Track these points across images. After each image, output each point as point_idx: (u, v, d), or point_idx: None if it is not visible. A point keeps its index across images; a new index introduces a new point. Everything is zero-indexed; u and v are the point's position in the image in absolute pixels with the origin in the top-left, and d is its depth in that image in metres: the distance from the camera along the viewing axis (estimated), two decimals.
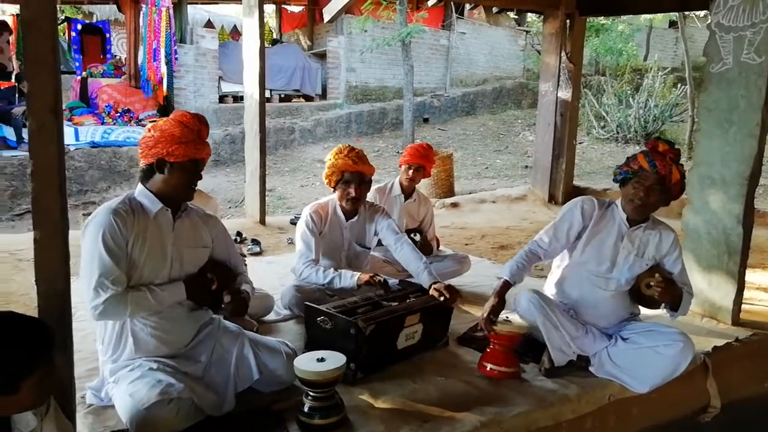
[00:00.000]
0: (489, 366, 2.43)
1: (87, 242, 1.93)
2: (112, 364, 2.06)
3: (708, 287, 3.20)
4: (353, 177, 2.94)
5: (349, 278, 2.79)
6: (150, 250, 2.00)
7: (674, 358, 2.37)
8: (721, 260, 3.13)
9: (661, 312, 3.25)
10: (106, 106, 9.14)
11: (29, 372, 1.35)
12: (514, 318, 2.51)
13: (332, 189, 3.03)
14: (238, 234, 4.83)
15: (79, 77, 9.73)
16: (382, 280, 2.77)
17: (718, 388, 2.68)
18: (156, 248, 2.02)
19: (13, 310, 1.45)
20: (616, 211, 2.55)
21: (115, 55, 11.04)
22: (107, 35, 10.95)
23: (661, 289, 2.36)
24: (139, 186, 2.08)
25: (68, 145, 7.95)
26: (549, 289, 2.70)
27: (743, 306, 3.18)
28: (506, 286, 2.47)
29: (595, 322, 2.56)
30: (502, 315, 2.51)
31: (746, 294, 3.22)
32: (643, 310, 2.87)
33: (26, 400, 1.38)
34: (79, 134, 8.43)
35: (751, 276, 3.63)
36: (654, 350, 2.39)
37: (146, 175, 2.05)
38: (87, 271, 1.91)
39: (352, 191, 2.94)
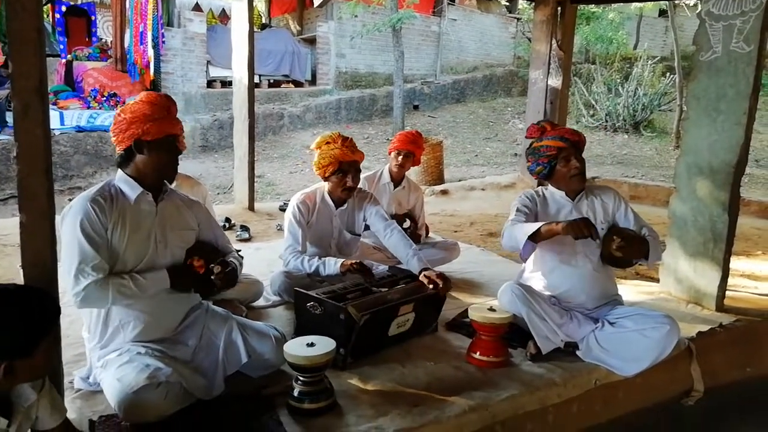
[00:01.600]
0: (477, 355, 2.45)
1: (66, 231, 1.92)
2: (99, 350, 2.05)
3: (693, 274, 3.25)
4: (350, 166, 2.92)
5: (332, 265, 2.79)
6: (131, 236, 1.99)
7: (661, 341, 2.41)
8: (707, 247, 3.17)
9: (646, 297, 3.31)
10: (91, 90, 9.00)
11: (41, 336, 1.45)
12: (498, 306, 2.52)
13: (324, 179, 3.01)
14: (227, 220, 4.81)
15: (64, 60, 9.56)
16: (365, 266, 2.75)
17: (702, 372, 2.73)
18: (138, 233, 2.01)
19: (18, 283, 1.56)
20: (552, 192, 2.65)
21: (101, 38, 10.84)
22: (93, 17, 10.75)
23: (624, 249, 2.40)
24: (119, 172, 2.06)
25: (53, 129, 7.83)
26: (530, 281, 2.71)
27: (727, 292, 3.23)
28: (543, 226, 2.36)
29: (583, 304, 2.59)
30: (487, 304, 2.53)
31: (730, 281, 3.27)
32: (626, 296, 2.91)
33: (38, 365, 1.48)
34: (65, 118, 8.31)
35: (736, 263, 3.69)
36: (641, 333, 2.43)
37: (125, 160, 2.03)
38: (67, 260, 1.90)
39: (349, 180, 2.93)
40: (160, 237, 2.07)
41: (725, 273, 3.16)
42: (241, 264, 2.27)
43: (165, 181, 2.16)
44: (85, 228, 1.90)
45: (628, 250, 2.41)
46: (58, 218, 1.84)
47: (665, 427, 2.62)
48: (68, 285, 1.89)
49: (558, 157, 2.52)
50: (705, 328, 2.90)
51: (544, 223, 2.41)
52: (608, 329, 2.51)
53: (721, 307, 3.17)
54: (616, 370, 2.45)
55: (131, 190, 2.03)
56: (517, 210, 2.60)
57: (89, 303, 1.94)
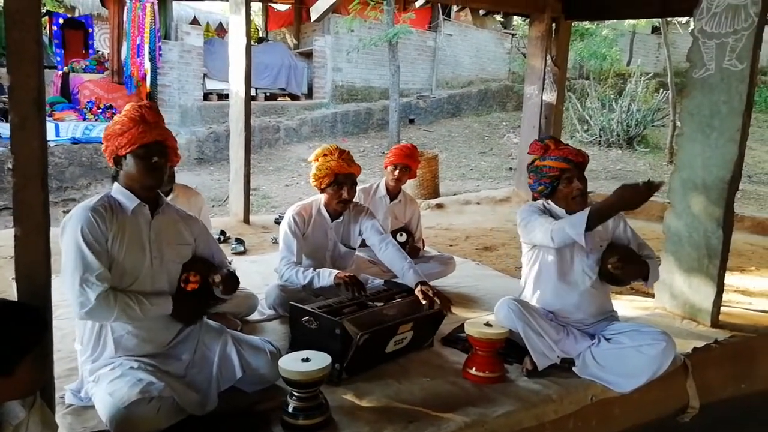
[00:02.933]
0: (474, 371, 2.44)
1: (67, 240, 1.91)
2: (91, 363, 2.03)
3: (688, 289, 3.25)
4: (346, 179, 2.93)
5: (327, 277, 2.78)
6: (129, 246, 1.99)
7: (657, 358, 2.40)
8: (702, 263, 3.18)
9: (641, 313, 3.31)
10: (87, 102, 9.00)
11: (23, 354, 1.40)
12: (494, 322, 2.52)
13: (320, 191, 3.01)
14: (222, 233, 4.79)
15: (60, 72, 9.56)
16: (358, 281, 2.73)
17: (697, 388, 2.72)
18: (135, 244, 2.01)
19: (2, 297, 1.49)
20: (552, 208, 2.59)
21: (98, 51, 10.87)
22: (90, 30, 10.77)
23: (622, 270, 2.41)
24: (115, 185, 2.08)
25: (48, 141, 7.72)
26: (527, 297, 2.70)
27: (722, 308, 3.24)
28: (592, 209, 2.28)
29: (581, 320, 2.59)
30: (483, 319, 2.52)
31: (725, 296, 3.27)
32: (621, 311, 2.91)
33: (20, 384, 1.43)
34: (60, 130, 8.29)
35: (730, 279, 3.69)
36: (637, 350, 2.42)
37: (115, 176, 2.08)
38: (69, 270, 1.88)
39: (345, 193, 2.93)
40: (156, 252, 2.06)
41: (720, 288, 3.17)
42: (234, 272, 2.26)
43: (161, 195, 2.16)
44: (86, 237, 1.89)
45: (625, 270, 2.42)
46: (56, 229, 1.83)
47: None
48: (71, 296, 1.87)
49: (561, 178, 2.48)
50: (700, 343, 2.90)
51: (595, 204, 2.28)
52: (604, 345, 2.50)
53: (716, 322, 3.17)
54: (612, 386, 2.44)
55: (128, 201, 2.03)
56: (539, 218, 2.49)
57: (93, 316, 1.92)
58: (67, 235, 1.92)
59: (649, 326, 2.58)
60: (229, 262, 2.36)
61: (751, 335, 3.11)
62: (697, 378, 2.73)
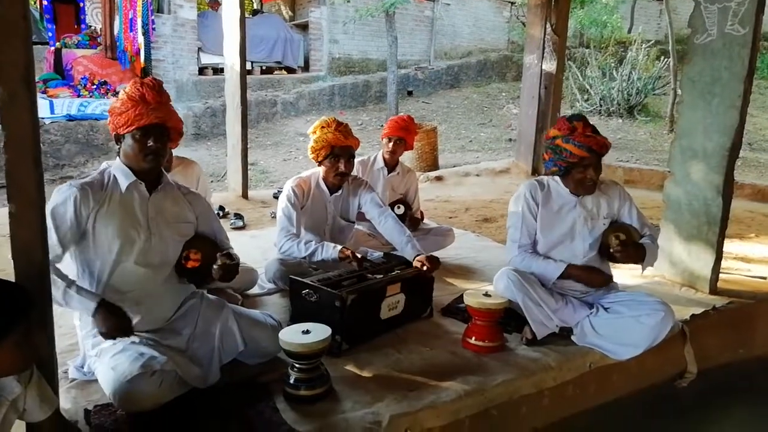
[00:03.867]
0: (473, 340, 2.46)
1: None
2: (93, 338, 2.04)
3: (688, 257, 3.26)
4: (343, 151, 2.91)
5: (331, 250, 2.78)
6: (119, 224, 1.99)
7: (655, 327, 2.42)
8: (701, 230, 3.18)
9: (640, 281, 3.32)
10: (81, 78, 8.88)
11: (5, 333, 1.37)
12: (494, 292, 2.53)
13: (318, 163, 2.99)
14: (221, 208, 4.78)
15: (52, 48, 9.41)
16: (362, 259, 2.74)
17: (695, 354, 2.75)
18: (126, 222, 2.00)
19: None
20: (556, 185, 2.61)
21: (90, 25, 10.67)
22: (81, 4, 10.55)
23: (621, 253, 2.45)
24: (116, 159, 2.08)
25: (43, 118, 7.73)
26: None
27: (721, 275, 3.25)
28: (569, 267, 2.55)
29: (579, 287, 2.61)
30: (482, 290, 2.53)
31: (724, 263, 3.29)
32: (621, 280, 2.92)
33: (6, 361, 1.41)
34: (55, 107, 8.20)
35: (729, 246, 3.70)
36: (636, 320, 2.44)
37: (118, 150, 2.08)
38: None
39: (342, 165, 2.91)
40: (155, 229, 2.05)
41: (719, 256, 3.17)
42: (239, 262, 2.25)
43: (164, 172, 2.15)
44: (54, 214, 1.91)
45: (626, 253, 2.46)
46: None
47: (659, 408, 2.65)
48: None
49: (577, 165, 2.46)
50: (699, 310, 2.92)
51: (566, 267, 2.52)
52: (603, 315, 2.52)
53: (714, 289, 3.19)
54: (610, 354, 2.47)
55: (124, 177, 2.03)
56: (522, 225, 2.59)
57: None
58: (47, 209, 1.91)
59: (647, 295, 2.60)
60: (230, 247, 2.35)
61: (749, 302, 3.13)
62: (695, 344, 2.75)
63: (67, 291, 1.91)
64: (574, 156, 2.44)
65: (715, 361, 2.91)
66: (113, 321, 1.91)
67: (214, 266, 2.05)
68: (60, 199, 1.94)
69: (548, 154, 2.55)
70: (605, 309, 2.54)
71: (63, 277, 1.94)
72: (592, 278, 2.58)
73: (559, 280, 2.56)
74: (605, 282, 2.62)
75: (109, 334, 1.91)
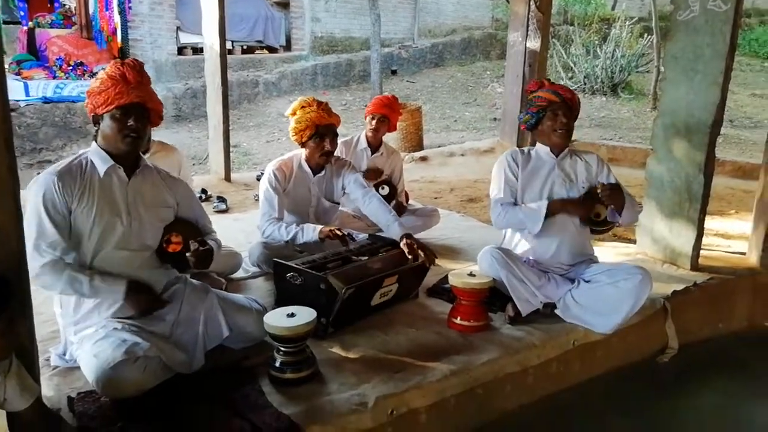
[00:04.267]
0: (458, 320, 2.47)
1: (29, 203, 1.89)
2: (74, 326, 2.01)
3: (669, 234, 3.30)
4: (327, 129, 2.87)
5: (311, 232, 2.76)
6: (99, 210, 1.95)
7: (633, 290, 2.46)
8: (683, 207, 3.21)
9: (623, 258, 3.36)
10: (57, 59, 8.65)
11: None
12: (478, 272, 2.54)
13: (301, 144, 2.95)
14: (203, 191, 4.72)
15: (25, 28, 9.14)
16: (344, 233, 2.74)
17: (676, 330, 2.80)
18: (106, 207, 1.97)
19: None
20: (538, 150, 2.69)
21: (64, 4, 10.34)
22: None
23: (608, 192, 2.48)
24: (93, 144, 2.04)
25: (18, 101, 7.53)
26: (508, 244, 2.73)
27: (702, 251, 3.29)
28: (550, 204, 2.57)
29: (561, 263, 2.63)
30: (467, 270, 2.54)
31: (705, 240, 3.33)
32: (603, 257, 2.95)
33: None
34: (30, 89, 7.98)
35: (710, 223, 3.75)
36: (614, 285, 2.48)
37: (96, 133, 2.03)
38: (27, 233, 1.81)
39: (327, 144, 2.88)
40: (135, 214, 2.02)
41: (700, 233, 3.21)
42: (219, 246, 2.23)
43: (141, 156, 2.10)
44: (46, 203, 1.87)
45: (610, 194, 2.48)
46: (24, 192, 1.77)
47: (641, 383, 2.70)
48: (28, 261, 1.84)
49: (547, 109, 2.56)
50: (680, 286, 2.96)
51: (551, 202, 2.55)
52: (584, 286, 2.56)
53: (695, 266, 3.23)
54: (594, 327, 2.49)
55: (102, 162, 1.99)
56: (504, 184, 2.64)
57: (41, 283, 1.90)
58: (29, 198, 1.89)
59: (625, 264, 2.64)
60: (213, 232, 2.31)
61: (729, 277, 3.18)
62: (676, 320, 2.80)
63: (92, 283, 1.91)
64: (543, 99, 2.56)
65: (695, 336, 2.97)
66: (144, 298, 1.99)
67: (187, 253, 2.02)
68: (44, 187, 1.89)
69: (522, 111, 2.65)
70: (586, 282, 2.57)
71: (81, 271, 1.91)
72: (578, 207, 2.59)
73: (542, 251, 2.59)
74: (591, 207, 2.61)
75: (144, 312, 1.99)
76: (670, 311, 2.79)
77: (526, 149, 2.73)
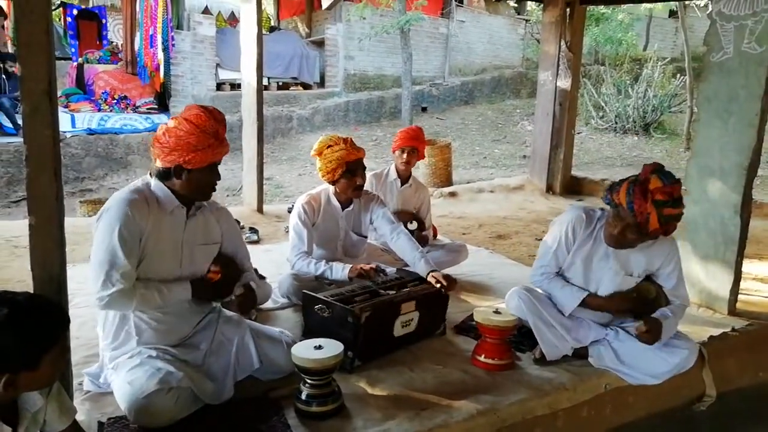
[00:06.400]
0: (482, 358, 2.43)
1: (101, 232, 1.89)
2: (112, 350, 2.05)
3: (705, 277, 3.21)
4: (358, 165, 2.93)
5: (340, 271, 2.79)
6: (163, 245, 1.98)
7: (678, 365, 2.39)
8: (718, 250, 3.13)
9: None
10: (102, 93, 9.07)
11: (49, 348, 1.41)
12: (504, 309, 2.51)
13: (332, 183, 2.99)
14: (236, 222, 4.81)
15: (75, 63, 9.64)
16: (374, 270, 2.74)
17: (714, 377, 2.69)
18: (168, 244, 2.01)
19: (28, 291, 1.51)
20: (603, 230, 2.41)
21: (112, 41, 10.92)
22: (103, 21, 10.83)
23: (645, 337, 2.32)
24: (155, 181, 2.02)
25: (65, 132, 7.90)
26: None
27: (740, 296, 3.19)
28: (588, 297, 2.44)
29: (594, 318, 2.55)
30: (493, 307, 2.52)
31: (743, 284, 3.23)
32: None
33: (44, 376, 1.45)
34: (76, 121, 8.38)
35: (748, 266, 3.64)
36: (659, 356, 2.38)
37: (163, 176, 2.00)
38: (97, 262, 1.87)
39: (359, 179, 2.94)
40: (187, 251, 2.06)
41: (737, 276, 3.12)
42: (259, 284, 2.28)
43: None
44: (122, 233, 1.86)
45: (648, 338, 2.32)
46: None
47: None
48: (94, 287, 1.89)
49: (618, 208, 2.25)
50: (717, 332, 2.86)
51: (586, 295, 2.42)
52: (625, 338, 2.44)
53: (733, 310, 3.13)
54: (627, 378, 2.42)
55: (168, 201, 2.00)
56: (553, 252, 2.47)
57: (112, 307, 1.95)
58: (101, 228, 1.89)
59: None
60: (255, 269, 2.36)
61: None
62: (713, 366, 2.69)
63: (162, 292, 1.96)
64: (617, 197, 2.22)
65: (734, 384, 2.85)
66: (210, 291, 2.11)
67: (233, 296, 2.07)
68: (119, 218, 1.86)
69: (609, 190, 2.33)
70: (627, 333, 2.44)
71: (147, 286, 1.94)
72: (616, 305, 2.43)
73: (577, 309, 2.48)
74: (629, 308, 2.43)
75: (212, 300, 2.14)
76: (707, 357, 2.69)
77: (596, 217, 2.44)
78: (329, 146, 2.91)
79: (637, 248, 2.37)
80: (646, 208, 2.15)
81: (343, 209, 3.06)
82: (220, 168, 2.08)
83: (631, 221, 2.20)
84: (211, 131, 1.95)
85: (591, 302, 2.43)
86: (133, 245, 1.90)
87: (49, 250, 1.60)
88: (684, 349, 2.40)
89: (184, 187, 1.99)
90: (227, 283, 2.12)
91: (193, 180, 1.98)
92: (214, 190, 2.07)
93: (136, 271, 1.92)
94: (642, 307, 2.42)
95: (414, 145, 3.69)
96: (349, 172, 2.91)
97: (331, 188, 3.04)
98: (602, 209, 2.49)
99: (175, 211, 2.02)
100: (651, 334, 2.31)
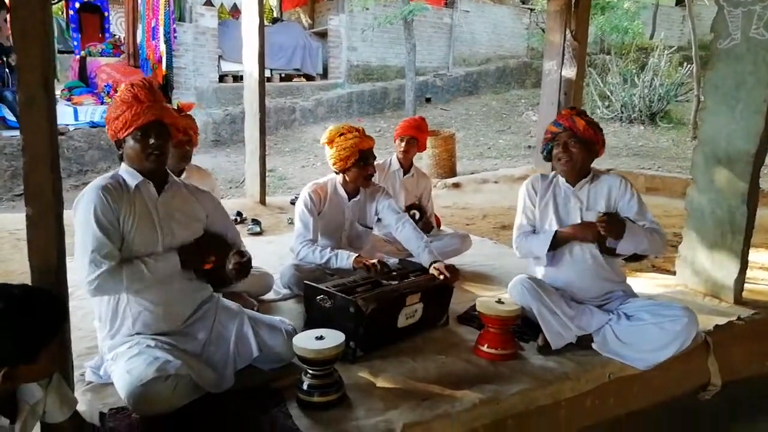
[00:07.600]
0: (485, 348, 2.42)
1: (79, 219, 1.93)
2: (110, 340, 2.05)
3: (711, 266, 3.18)
4: (370, 153, 2.95)
5: (345, 259, 2.78)
6: (139, 224, 1.99)
7: (680, 334, 2.37)
8: (725, 239, 3.10)
9: (662, 290, 3.25)
10: (105, 86, 9.06)
11: (47, 341, 1.41)
12: (507, 299, 2.49)
13: (343, 171, 2.97)
14: (239, 214, 4.81)
15: (77, 56, 9.63)
16: (378, 263, 2.72)
17: (719, 366, 2.67)
18: (144, 221, 2.01)
19: (26, 284, 1.50)
20: (558, 179, 2.66)
21: (114, 34, 10.91)
22: (106, 14, 10.80)
23: (604, 223, 2.38)
24: (122, 164, 2.08)
25: (68, 125, 7.90)
26: (536, 274, 2.68)
27: (746, 285, 3.16)
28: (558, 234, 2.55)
29: (589, 294, 2.56)
30: (495, 297, 2.50)
31: (749, 273, 3.20)
32: (642, 289, 2.86)
33: (42, 369, 1.45)
34: (79, 114, 8.37)
35: (754, 255, 3.60)
36: (659, 326, 2.39)
37: (120, 157, 2.08)
38: (80, 249, 1.90)
39: (371, 168, 2.95)
40: (166, 229, 2.06)
41: (743, 265, 3.09)
42: (249, 259, 2.25)
43: (169, 172, 2.15)
44: (98, 216, 1.90)
45: (606, 225, 2.37)
46: (68, 211, 1.84)
47: (681, 421, 2.58)
48: (82, 274, 1.90)
49: (553, 140, 2.57)
50: (722, 321, 2.84)
51: (554, 231, 2.53)
52: (625, 322, 2.46)
53: (739, 299, 3.10)
54: (632, 363, 2.40)
55: (131, 178, 2.03)
56: (523, 212, 2.67)
57: (103, 291, 1.94)
58: (78, 215, 1.93)
59: (670, 302, 2.54)
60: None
61: None
62: (718, 355, 2.67)
63: (148, 264, 1.96)
64: (548, 132, 2.58)
65: (740, 374, 2.83)
66: (198, 257, 2.08)
67: (228, 266, 2.05)
68: (93, 202, 1.91)
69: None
70: (627, 316, 2.48)
71: (134, 263, 1.94)
72: (585, 231, 2.49)
73: (565, 285, 2.54)
74: (597, 232, 2.43)
75: (204, 265, 2.10)
76: (712, 346, 2.67)
77: (550, 175, 2.68)
78: (341, 134, 2.90)
79: (592, 185, 2.60)
80: (568, 117, 2.53)
81: (349, 199, 3.05)
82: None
83: (566, 135, 2.51)
84: (129, 97, 1.99)
85: (560, 236, 2.53)
86: (112, 227, 1.93)
87: (46, 242, 1.60)
88: (682, 317, 2.39)
89: (127, 157, 2.04)
90: (224, 266, 2.10)
91: (128, 148, 2.02)
92: (162, 155, 2.03)
93: (119, 251, 1.94)
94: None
95: (412, 134, 3.69)
96: (361, 160, 2.91)
97: (338, 178, 3.03)
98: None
99: (141, 187, 2.03)
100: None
